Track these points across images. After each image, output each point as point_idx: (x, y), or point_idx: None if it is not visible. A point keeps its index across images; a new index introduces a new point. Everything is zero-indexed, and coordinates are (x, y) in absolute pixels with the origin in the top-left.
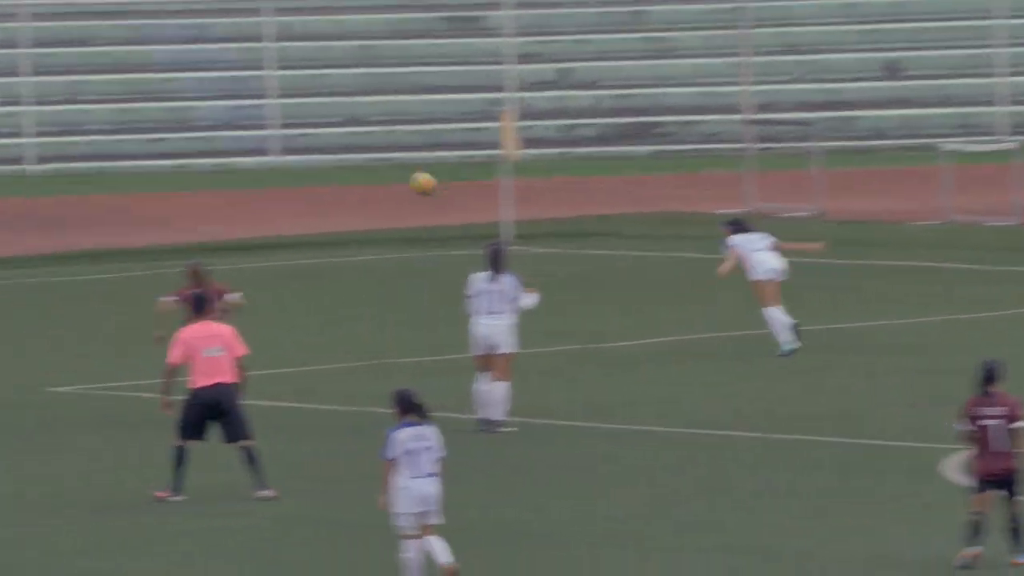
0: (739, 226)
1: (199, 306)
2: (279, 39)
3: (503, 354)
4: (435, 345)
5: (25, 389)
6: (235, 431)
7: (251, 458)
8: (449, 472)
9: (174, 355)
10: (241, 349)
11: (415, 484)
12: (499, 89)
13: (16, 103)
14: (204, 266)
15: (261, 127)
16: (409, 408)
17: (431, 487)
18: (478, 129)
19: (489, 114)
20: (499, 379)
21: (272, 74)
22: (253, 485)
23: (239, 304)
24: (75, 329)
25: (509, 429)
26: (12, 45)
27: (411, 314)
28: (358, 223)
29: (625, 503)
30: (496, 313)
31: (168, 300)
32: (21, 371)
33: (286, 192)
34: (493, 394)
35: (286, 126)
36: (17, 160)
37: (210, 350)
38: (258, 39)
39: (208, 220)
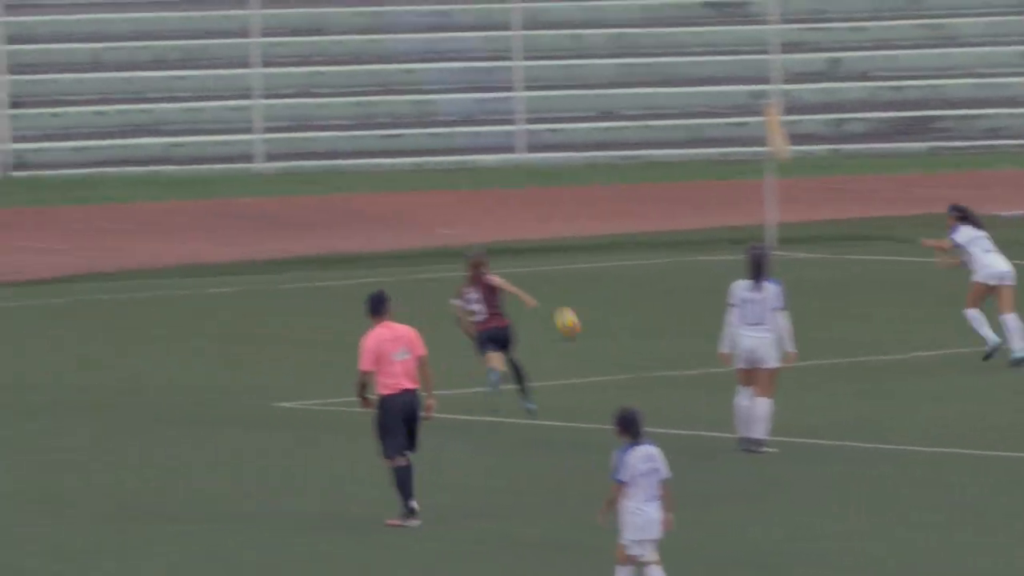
0: (966, 215)
1: (377, 307)
2: (526, 27)
3: (768, 368)
4: (692, 358)
5: (250, 405)
6: (415, 441)
7: (411, 466)
8: (702, 494)
9: (366, 362)
10: (422, 349)
11: (648, 508)
12: (764, 81)
13: (245, 96)
14: (485, 256)
15: (507, 122)
16: (630, 428)
17: (658, 511)
18: (740, 124)
19: (752, 108)
20: (762, 395)
21: (519, 65)
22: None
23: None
24: (298, 342)
25: (770, 450)
26: (242, 34)
27: (667, 324)
28: (609, 226)
29: (882, 526)
30: (759, 324)
31: (457, 303)
32: (245, 385)
33: (532, 192)
34: (755, 411)
35: (532, 121)
36: (246, 157)
37: (397, 354)
38: (505, 27)
39: (446, 222)
